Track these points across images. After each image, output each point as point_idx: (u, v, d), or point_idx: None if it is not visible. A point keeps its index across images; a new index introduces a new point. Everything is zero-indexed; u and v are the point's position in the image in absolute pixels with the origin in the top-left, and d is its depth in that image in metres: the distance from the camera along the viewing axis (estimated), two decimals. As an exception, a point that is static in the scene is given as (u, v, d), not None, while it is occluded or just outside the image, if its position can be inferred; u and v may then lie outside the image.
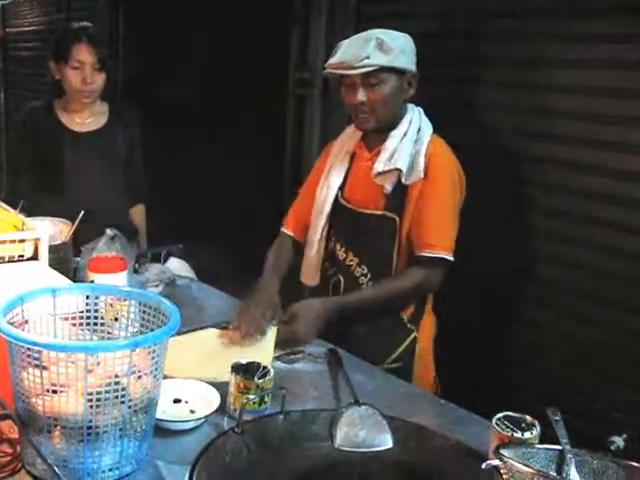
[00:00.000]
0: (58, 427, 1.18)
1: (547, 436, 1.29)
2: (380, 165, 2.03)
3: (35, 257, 1.86)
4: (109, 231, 2.06)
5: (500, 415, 1.35)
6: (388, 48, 1.93)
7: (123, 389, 1.18)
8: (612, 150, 2.16)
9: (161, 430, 1.41)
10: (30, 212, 2.16)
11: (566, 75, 2.26)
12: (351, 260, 2.13)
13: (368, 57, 1.92)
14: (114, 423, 1.19)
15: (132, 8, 4.47)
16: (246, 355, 1.64)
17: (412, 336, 2.10)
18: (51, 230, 2.06)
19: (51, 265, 1.87)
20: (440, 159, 2.03)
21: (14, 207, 2.10)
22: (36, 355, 1.15)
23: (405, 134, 2.04)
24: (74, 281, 1.91)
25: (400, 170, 2.00)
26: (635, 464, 1.17)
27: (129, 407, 1.20)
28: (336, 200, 2.17)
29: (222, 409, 1.52)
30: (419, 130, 2.06)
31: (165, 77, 4.17)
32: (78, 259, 2.12)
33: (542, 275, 2.41)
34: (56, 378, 1.16)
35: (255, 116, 3.65)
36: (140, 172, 2.82)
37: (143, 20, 4.36)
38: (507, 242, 2.46)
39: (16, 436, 1.27)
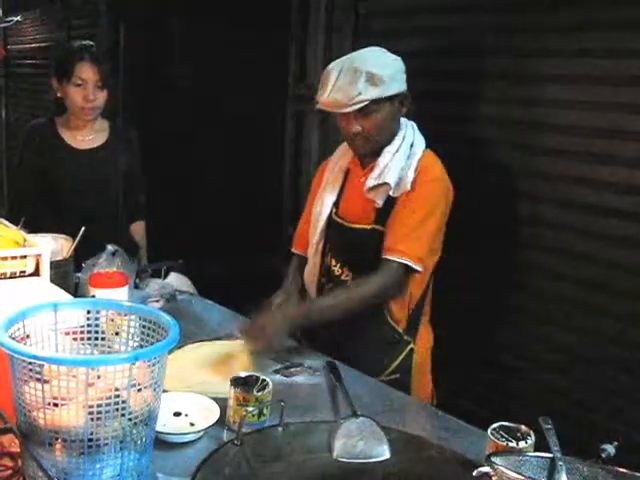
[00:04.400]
0: (59, 440, 1.19)
1: (542, 446, 1.31)
2: (371, 181, 2.05)
3: (37, 273, 1.88)
4: (110, 247, 2.08)
5: (495, 425, 1.37)
6: (379, 80, 1.93)
7: (123, 402, 1.19)
8: (602, 163, 2.19)
9: (161, 443, 1.43)
10: (31, 228, 2.18)
11: (557, 90, 2.29)
12: (347, 275, 2.14)
13: (360, 93, 1.92)
14: (115, 436, 1.20)
15: (133, 27, 4.51)
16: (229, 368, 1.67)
17: (409, 348, 2.11)
18: (52, 246, 2.08)
19: (52, 281, 1.88)
20: (429, 174, 2.03)
21: (15, 223, 2.12)
22: (37, 369, 1.16)
23: (398, 150, 2.05)
24: (75, 296, 1.92)
25: (389, 184, 2.02)
26: (625, 471, 1.18)
27: (129, 420, 1.21)
28: (331, 217, 2.19)
29: (222, 422, 1.53)
30: (412, 145, 2.07)
31: (165, 95, 4.20)
32: (79, 275, 2.13)
33: (534, 286, 2.43)
34: (57, 392, 1.17)
35: (254, 132, 3.69)
36: (140, 189, 2.85)
37: (144, 39, 4.39)
38: (501, 254, 2.48)
39: (17, 450, 1.28)
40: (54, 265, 1.95)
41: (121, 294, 1.93)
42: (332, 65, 2.02)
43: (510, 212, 2.45)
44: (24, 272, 1.86)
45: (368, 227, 2.08)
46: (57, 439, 1.19)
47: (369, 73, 1.92)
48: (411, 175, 2.01)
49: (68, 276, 2.09)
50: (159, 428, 1.40)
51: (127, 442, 1.22)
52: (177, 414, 1.56)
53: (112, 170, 2.72)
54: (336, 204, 2.19)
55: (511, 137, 2.44)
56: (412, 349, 2.11)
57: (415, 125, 2.12)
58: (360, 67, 1.93)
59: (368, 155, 2.09)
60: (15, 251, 1.86)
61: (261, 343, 1.90)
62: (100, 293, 1.91)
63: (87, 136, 2.70)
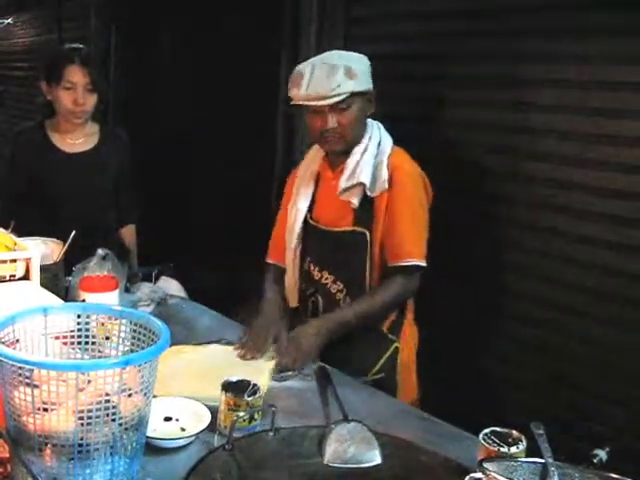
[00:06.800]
0: (49, 445, 1.18)
1: (534, 451, 1.31)
2: (344, 182, 2.06)
3: (26, 277, 1.87)
4: (100, 251, 2.07)
5: (487, 430, 1.37)
6: (354, 74, 1.97)
7: (114, 407, 1.19)
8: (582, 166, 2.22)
9: (152, 448, 1.42)
10: (21, 232, 2.17)
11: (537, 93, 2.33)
12: (326, 278, 2.16)
13: (339, 85, 1.95)
14: (105, 441, 1.20)
15: (124, 30, 4.51)
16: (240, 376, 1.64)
17: (393, 346, 2.12)
18: (42, 250, 2.07)
19: (42, 285, 1.87)
20: (403, 169, 2.06)
21: (5, 227, 2.10)
22: (27, 374, 1.15)
23: (366, 149, 2.08)
24: (65, 300, 1.91)
25: (364, 184, 2.03)
26: (616, 476, 1.19)
27: (120, 425, 1.21)
28: (306, 222, 2.20)
29: (212, 427, 1.53)
30: (379, 144, 2.10)
31: (156, 98, 4.20)
32: (69, 278, 2.13)
33: (524, 289, 2.44)
34: (47, 396, 1.16)
35: (245, 135, 3.68)
36: (130, 192, 2.84)
37: (135, 42, 4.39)
38: (485, 255, 2.51)
39: (7, 455, 1.27)
40: (44, 269, 1.95)
41: (112, 298, 1.92)
42: (301, 66, 2.05)
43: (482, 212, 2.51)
44: (14, 276, 1.85)
45: (349, 229, 2.09)
46: (47, 444, 1.18)
47: (347, 67, 1.97)
48: (384, 173, 2.03)
49: (58, 280, 2.08)
50: (150, 433, 1.39)
51: (117, 447, 1.22)
52: (168, 419, 1.55)
53: (102, 173, 2.71)
54: (310, 209, 2.21)
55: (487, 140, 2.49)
56: (397, 348, 2.13)
57: (381, 125, 2.15)
58: (337, 62, 1.98)
59: (340, 154, 2.10)
60: (5, 255, 1.85)
61: (299, 361, 1.89)
62: (90, 297, 1.91)
63: (77, 139, 2.69)
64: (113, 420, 1.19)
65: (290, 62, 3.25)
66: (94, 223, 2.63)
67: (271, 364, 1.89)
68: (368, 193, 2.04)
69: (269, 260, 2.34)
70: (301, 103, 2.04)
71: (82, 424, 1.17)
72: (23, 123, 2.90)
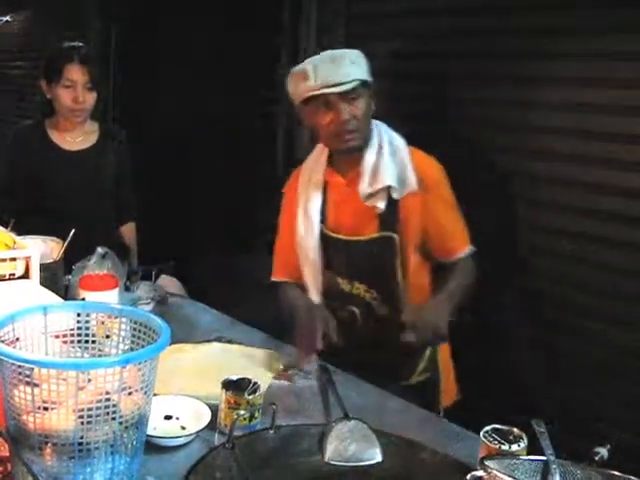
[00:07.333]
0: (49, 444, 1.18)
1: (536, 448, 1.31)
2: (365, 186, 1.98)
3: (26, 275, 1.86)
4: (100, 249, 2.07)
5: (488, 428, 1.37)
6: (360, 63, 1.94)
7: (114, 405, 1.18)
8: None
9: (152, 446, 1.42)
10: (21, 230, 2.17)
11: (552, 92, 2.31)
12: (357, 288, 2.07)
13: (348, 73, 1.90)
14: (105, 439, 1.19)
15: (124, 28, 4.50)
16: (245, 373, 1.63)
17: (432, 348, 2.07)
18: (42, 248, 2.07)
19: (42, 283, 1.87)
20: (431, 167, 2.02)
21: (5, 226, 2.10)
22: (27, 372, 1.15)
23: (380, 150, 2.00)
24: (65, 299, 1.91)
25: (390, 187, 1.95)
26: (618, 474, 1.19)
27: (120, 423, 1.21)
28: (321, 233, 2.09)
29: (213, 425, 1.53)
30: (391, 143, 2.02)
31: (156, 96, 4.19)
32: (69, 277, 2.13)
33: (528, 286, 2.44)
34: (47, 395, 1.16)
35: (245, 134, 3.67)
36: (130, 191, 2.84)
37: (135, 41, 4.38)
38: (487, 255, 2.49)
39: (7, 454, 1.27)
40: (44, 268, 1.94)
41: (111, 297, 1.92)
42: (299, 66, 1.98)
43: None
44: (13, 275, 1.85)
45: (376, 235, 2.00)
46: (47, 443, 1.18)
47: (350, 58, 1.92)
48: (412, 173, 1.96)
49: (58, 279, 2.08)
50: (150, 431, 1.39)
51: (118, 446, 1.21)
52: (168, 417, 1.55)
53: (101, 172, 2.71)
54: (322, 220, 2.09)
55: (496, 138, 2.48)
56: (435, 348, 2.08)
57: (385, 124, 2.08)
58: (339, 55, 1.94)
59: (354, 152, 1.99)
60: (4, 253, 1.85)
61: (431, 332, 1.79)
62: (90, 296, 1.90)
63: (76, 138, 2.69)
64: (113, 419, 1.19)
65: (290, 61, 3.26)
66: (94, 221, 2.62)
67: (274, 364, 1.89)
68: (394, 195, 1.96)
69: (277, 278, 2.22)
70: (313, 94, 1.92)
71: (82, 423, 1.17)
72: (22, 122, 2.89)
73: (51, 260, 2.09)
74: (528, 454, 1.30)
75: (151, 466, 1.38)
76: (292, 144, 3.31)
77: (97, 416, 1.17)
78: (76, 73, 2.55)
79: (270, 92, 3.32)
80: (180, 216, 4.01)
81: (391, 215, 1.98)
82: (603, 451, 1.24)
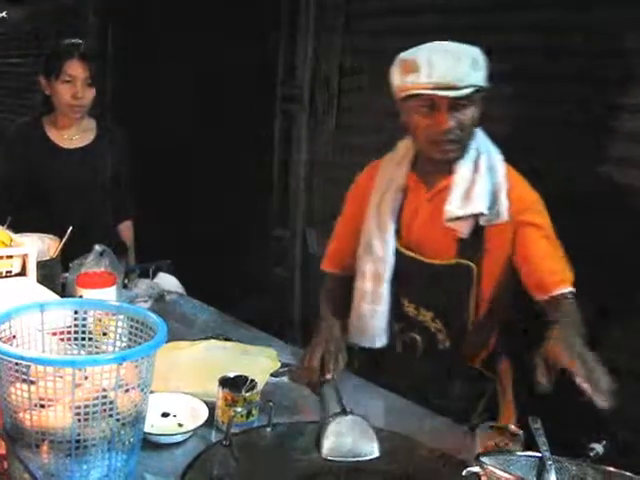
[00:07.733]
0: (46, 442, 1.18)
1: (533, 445, 1.31)
2: (454, 208, 1.72)
3: (23, 273, 1.87)
4: (97, 247, 2.07)
5: (484, 424, 1.38)
6: (480, 67, 1.65)
7: (111, 403, 1.19)
8: None
9: (149, 444, 1.42)
10: (18, 228, 2.17)
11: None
12: (424, 315, 1.85)
13: (468, 76, 1.62)
14: (102, 437, 1.20)
15: (121, 27, 4.49)
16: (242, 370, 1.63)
17: (492, 386, 1.88)
18: (39, 246, 2.07)
19: (39, 281, 1.87)
20: (526, 191, 1.75)
21: (2, 223, 2.10)
22: (24, 370, 1.15)
23: (476, 165, 1.73)
24: (62, 296, 1.91)
25: (484, 214, 1.70)
26: (613, 469, 1.20)
27: (117, 420, 1.21)
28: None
29: (210, 422, 1.53)
30: (489, 156, 1.75)
31: (154, 95, 4.19)
32: (66, 275, 2.12)
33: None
34: (44, 392, 1.16)
35: (242, 132, 3.67)
36: (127, 188, 2.83)
37: (132, 39, 4.38)
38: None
39: (3, 452, 1.27)
40: (41, 265, 1.94)
41: (109, 294, 1.92)
42: (411, 52, 1.68)
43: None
44: (10, 272, 1.85)
45: (452, 262, 1.76)
46: (44, 440, 1.18)
47: (472, 57, 1.65)
48: (504, 201, 1.70)
49: (55, 276, 2.08)
50: (147, 429, 1.39)
51: (115, 443, 1.22)
52: (165, 415, 1.55)
53: (99, 169, 2.70)
54: (397, 231, 1.85)
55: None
56: (495, 388, 1.88)
57: (483, 132, 1.79)
58: (461, 51, 1.65)
59: (429, 166, 1.77)
60: (1, 251, 1.85)
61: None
62: (88, 293, 1.90)
63: (74, 135, 2.69)
64: (110, 416, 1.19)
65: (287, 58, 3.26)
66: (91, 219, 2.62)
67: (271, 362, 1.89)
68: (482, 223, 1.72)
69: (327, 268, 2.05)
70: (422, 92, 1.63)
71: (79, 420, 1.17)
72: (20, 119, 2.89)
73: (48, 258, 2.09)
74: (525, 450, 1.30)
75: (148, 463, 1.38)
76: (290, 143, 3.32)
77: (94, 413, 1.17)
78: (76, 69, 2.54)
79: (270, 92, 3.33)
80: (178, 214, 4.01)
81: (474, 243, 1.74)
82: (598, 447, 1.25)
